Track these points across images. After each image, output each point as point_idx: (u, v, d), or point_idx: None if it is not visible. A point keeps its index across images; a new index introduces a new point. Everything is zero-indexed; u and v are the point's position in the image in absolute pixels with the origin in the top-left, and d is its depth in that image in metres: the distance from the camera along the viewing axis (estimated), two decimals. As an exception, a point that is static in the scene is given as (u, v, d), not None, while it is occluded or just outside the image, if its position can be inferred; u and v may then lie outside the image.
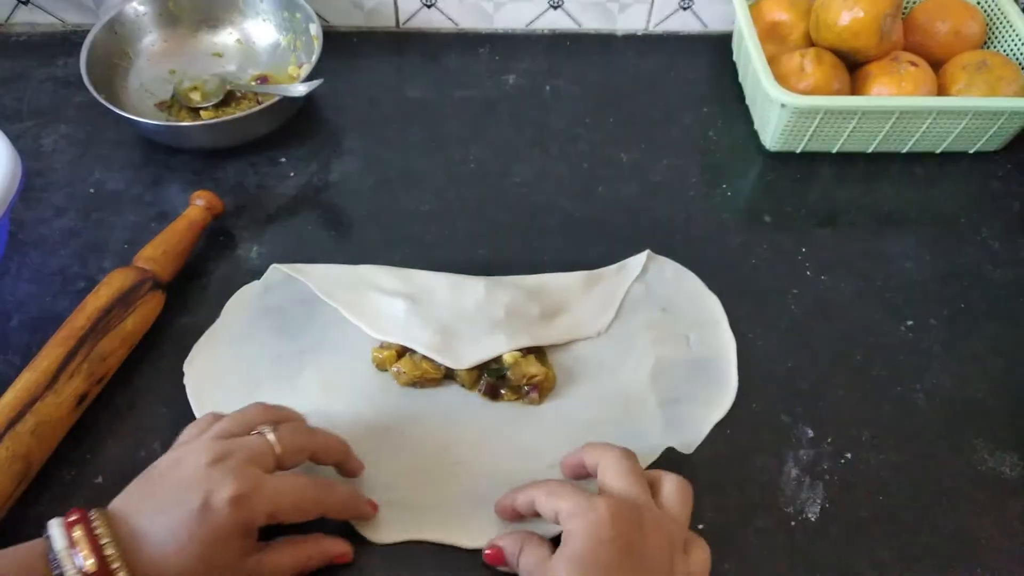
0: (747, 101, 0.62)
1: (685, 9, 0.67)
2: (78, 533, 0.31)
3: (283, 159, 0.57)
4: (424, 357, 0.44)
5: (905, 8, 0.63)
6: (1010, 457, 0.43)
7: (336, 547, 0.37)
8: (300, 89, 0.53)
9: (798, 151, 0.59)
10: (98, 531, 0.31)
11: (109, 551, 0.30)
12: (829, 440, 0.44)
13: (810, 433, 0.44)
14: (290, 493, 0.34)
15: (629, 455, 0.37)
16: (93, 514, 0.32)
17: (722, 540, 0.40)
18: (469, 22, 0.67)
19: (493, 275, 0.49)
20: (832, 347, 0.48)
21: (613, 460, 0.36)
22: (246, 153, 0.56)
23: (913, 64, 0.56)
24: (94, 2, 0.64)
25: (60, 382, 0.40)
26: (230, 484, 0.32)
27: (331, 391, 0.43)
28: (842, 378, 0.46)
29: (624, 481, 0.35)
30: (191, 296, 0.48)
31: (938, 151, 0.59)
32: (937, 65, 0.59)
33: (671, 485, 0.37)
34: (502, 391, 0.44)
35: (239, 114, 0.53)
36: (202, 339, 0.45)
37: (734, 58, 0.66)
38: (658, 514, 0.35)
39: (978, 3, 0.63)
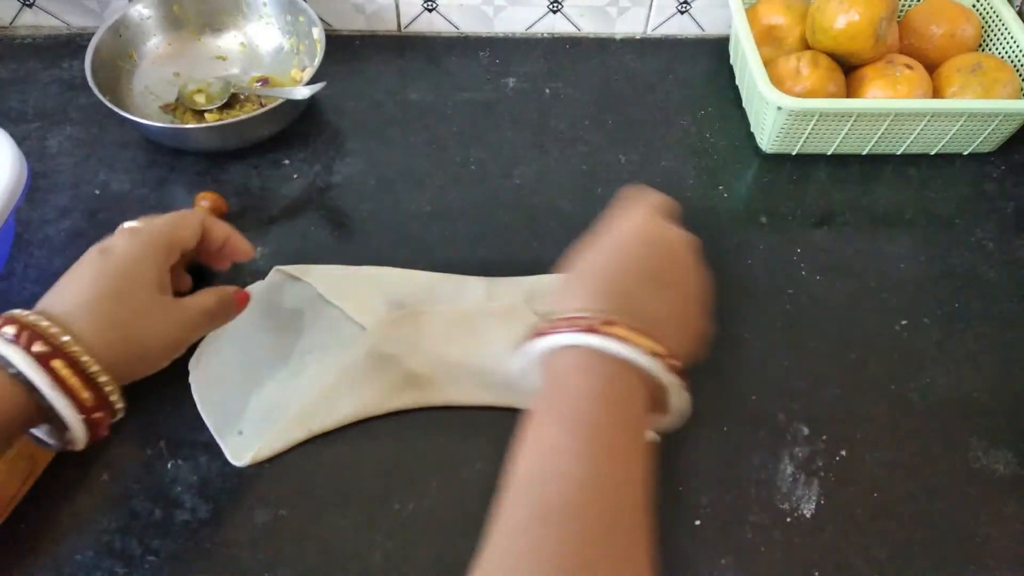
0: (744, 104, 0.63)
1: (683, 13, 0.68)
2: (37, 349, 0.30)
3: (286, 161, 0.57)
4: None
5: (900, 11, 0.64)
6: (1004, 455, 0.44)
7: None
8: (303, 92, 0.54)
9: (794, 153, 0.59)
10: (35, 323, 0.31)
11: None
12: (824, 438, 0.44)
13: (806, 431, 0.44)
14: (176, 219, 0.37)
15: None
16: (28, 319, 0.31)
17: (718, 536, 0.40)
18: (470, 26, 0.68)
19: (493, 276, 0.50)
20: (827, 346, 0.48)
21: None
22: (249, 155, 0.57)
23: (908, 67, 0.57)
24: (98, 5, 0.64)
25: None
26: (120, 230, 0.36)
27: (335, 391, 0.44)
28: (837, 377, 0.47)
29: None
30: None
31: (933, 153, 0.60)
32: (932, 68, 0.60)
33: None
34: None
35: (243, 116, 0.53)
36: (207, 339, 0.46)
37: (731, 61, 0.67)
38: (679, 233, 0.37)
39: (973, 6, 0.64)
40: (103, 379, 0.31)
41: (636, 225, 0.37)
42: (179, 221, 0.38)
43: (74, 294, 0.33)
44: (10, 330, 0.30)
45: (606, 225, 0.37)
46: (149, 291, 0.34)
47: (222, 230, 0.41)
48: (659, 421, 0.33)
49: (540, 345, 0.31)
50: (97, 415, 0.31)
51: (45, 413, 0.31)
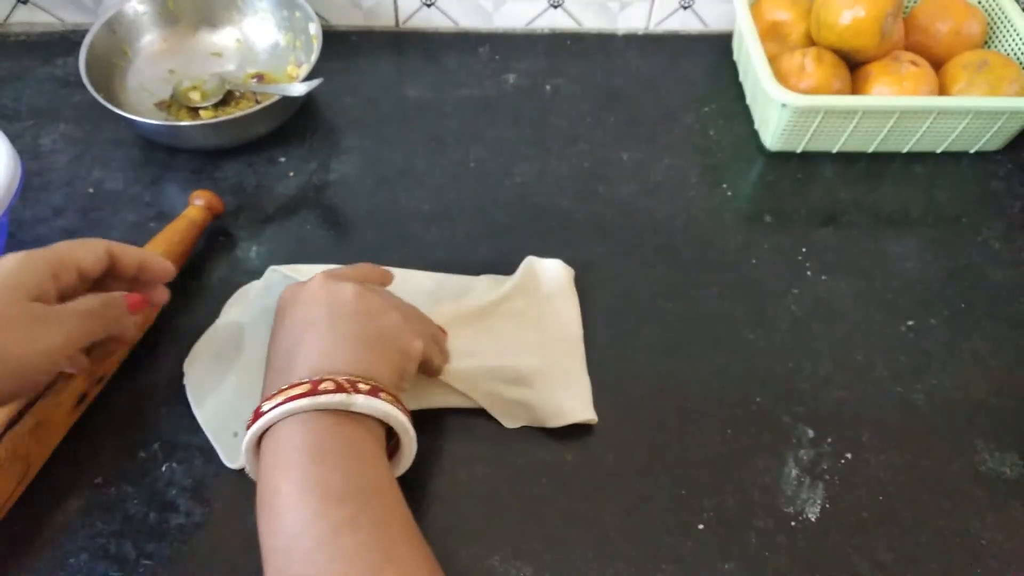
0: (748, 101, 0.62)
1: (686, 8, 0.67)
2: None
3: (282, 159, 0.57)
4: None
5: (906, 7, 0.63)
6: (1010, 457, 0.43)
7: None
8: (299, 88, 0.53)
9: (799, 151, 0.59)
10: None
11: None
12: (829, 440, 0.44)
13: (810, 433, 0.44)
14: (78, 241, 0.36)
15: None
16: None
17: (722, 541, 0.40)
18: (469, 21, 0.67)
19: (493, 275, 0.49)
20: (832, 347, 0.48)
21: None
22: (245, 153, 0.56)
23: (914, 64, 0.56)
24: (93, 1, 0.64)
25: (60, 382, 0.40)
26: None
27: None
28: (842, 378, 0.46)
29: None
30: (191, 296, 0.48)
31: (939, 151, 0.59)
32: (938, 65, 0.59)
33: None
34: None
35: (238, 114, 0.53)
36: (202, 339, 0.45)
37: (735, 57, 0.66)
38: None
39: (979, 3, 0.63)
40: None
41: (298, 296, 0.38)
42: (80, 242, 0.37)
43: None
44: None
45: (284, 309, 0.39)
46: (16, 297, 0.32)
47: (133, 255, 0.38)
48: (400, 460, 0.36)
49: (250, 437, 0.33)
50: None
51: None
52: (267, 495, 0.31)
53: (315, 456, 0.31)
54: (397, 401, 0.35)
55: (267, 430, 0.33)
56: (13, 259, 0.33)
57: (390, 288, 0.43)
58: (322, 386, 0.32)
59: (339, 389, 0.32)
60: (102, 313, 0.36)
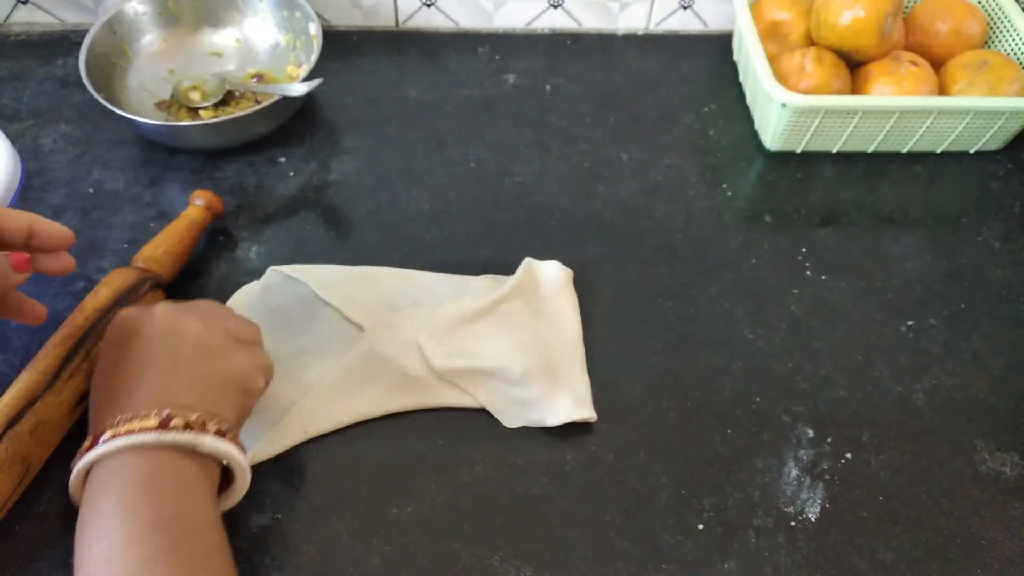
0: (747, 101, 0.62)
1: (685, 8, 0.67)
2: None
3: (282, 159, 0.57)
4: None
5: (906, 7, 0.63)
6: (1010, 457, 0.43)
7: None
8: (299, 88, 0.53)
9: (798, 151, 0.59)
10: None
11: None
12: (829, 440, 0.44)
13: (810, 433, 0.44)
14: None
15: None
16: None
17: (721, 540, 0.40)
18: (469, 21, 0.67)
19: (493, 275, 0.49)
20: (832, 347, 0.48)
21: None
22: (245, 153, 0.56)
23: (914, 64, 0.56)
24: (93, 1, 0.64)
25: (60, 382, 0.40)
26: None
27: (332, 393, 0.43)
28: (842, 378, 0.46)
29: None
30: (191, 296, 0.48)
31: (939, 151, 0.59)
32: (938, 65, 0.59)
33: None
34: None
35: (238, 114, 0.53)
36: None
37: (735, 57, 0.66)
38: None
39: (979, 2, 0.63)
40: None
41: (140, 327, 0.37)
42: None
43: None
44: None
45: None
46: None
47: (18, 219, 0.36)
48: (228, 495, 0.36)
49: (85, 463, 0.33)
50: None
51: None
52: (89, 518, 0.32)
53: (148, 487, 0.32)
54: (236, 441, 0.35)
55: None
56: None
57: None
58: (172, 423, 0.33)
59: (188, 427, 0.33)
60: None
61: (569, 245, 0.52)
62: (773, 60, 0.57)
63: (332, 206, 0.54)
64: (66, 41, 0.64)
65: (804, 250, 0.53)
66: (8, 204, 0.42)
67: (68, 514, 0.39)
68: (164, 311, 0.38)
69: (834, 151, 0.59)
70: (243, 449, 0.36)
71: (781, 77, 0.56)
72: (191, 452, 0.34)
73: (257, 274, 0.49)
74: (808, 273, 0.51)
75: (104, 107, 0.52)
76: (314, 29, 0.58)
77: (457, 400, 0.43)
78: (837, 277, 0.51)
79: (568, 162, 0.58)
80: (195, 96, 0.58)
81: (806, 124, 0.55)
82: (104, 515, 0.31)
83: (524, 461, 0.42)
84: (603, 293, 0.49)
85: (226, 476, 0.36)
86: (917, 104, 0.54)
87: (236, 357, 0.38)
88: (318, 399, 0.43)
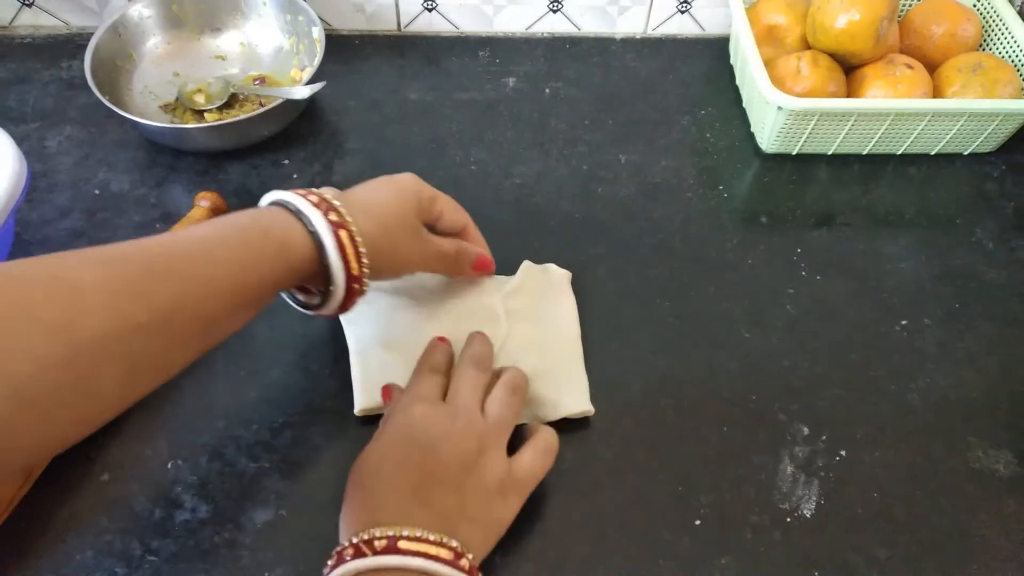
0: (744, 104, 0.63)
1: (683, 13, 0.68)
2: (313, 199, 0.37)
3: (286, 161, 0.57)
4: None
5: (901, 11, 0.64)
6: (1004, 455, 0.44)
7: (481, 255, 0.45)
8: (303, 92, 0.54)
9: (794, 153, 0.59)
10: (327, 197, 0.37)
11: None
12: (824, 438, 0.44)
13: (806, 431, 0.44)
14: (448, 199, 0.44)
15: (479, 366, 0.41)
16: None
17: (718, 537, 0.40)
18: (469, 26, 0.68)
19: (493, 275, 0.49)
20: (828, 346, 0.48)
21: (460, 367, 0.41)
22: (249, 155, 0.57)
23: (909, 66, 0.57)
24: (98, 4, 0.64)
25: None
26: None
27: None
28: (838, 377, 0.47)
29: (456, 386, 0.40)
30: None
31: (933, 152, 0.60)
32: (933, 67, 0.60)
33: (497, 388, 0.40)
34: None
35: (242, 116, 0.53)
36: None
37: (731, 61, 0.67)
38: (466, 422, 0.38)
39: (974, 6, 0.64)
40: (366, 261, 0.37)
41: (408, 422, 0.38)
42: (453, 204, 0.45)
43: (361, 200, 0.39)
44: (313, 199, 0.36)
45: (387, 420, 0.40)
46: (410, 207, 0.41)
47: (470, 251, 0.45)
48: None
49: None
50: (355, 285, 0.37)
51: (317, 274, 0.36)
52: None
53: None
54: (435, 545, 0.33)
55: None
56: (410, 178, 0.42)
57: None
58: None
59: (357, 554, 0.33)
60: (452, 258, 0.43)
61: (568, 246, 0.53)
62: (769, 63, 0.57)
63: (334, 207, 0.55)
64: (71, 44, 0.64)
65: (800, 251, 0.53)
66: (14, 206, 0.43)
67: (69, 516, 0.39)
68: (424, 410, 0.38)
69: (829, 153, 0.59)
70: (436, 556, 0.33)
71: (777, 80, 0.57)
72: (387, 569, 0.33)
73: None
74: (804, 273, 0.52)
75: (109, 109, 0.52)
76: (317, 33, 0.59)
77: None
78: (832, 277, 0.52)
79: (567, 164, 0.58)
80: (200, 99, 0.59)
81: (802, 127, 0.56)
82: None
83: (524, 458, 0.42)
84: (601, 293, 0.50)
85: None
86: (912, 107, 0.55)
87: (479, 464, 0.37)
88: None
